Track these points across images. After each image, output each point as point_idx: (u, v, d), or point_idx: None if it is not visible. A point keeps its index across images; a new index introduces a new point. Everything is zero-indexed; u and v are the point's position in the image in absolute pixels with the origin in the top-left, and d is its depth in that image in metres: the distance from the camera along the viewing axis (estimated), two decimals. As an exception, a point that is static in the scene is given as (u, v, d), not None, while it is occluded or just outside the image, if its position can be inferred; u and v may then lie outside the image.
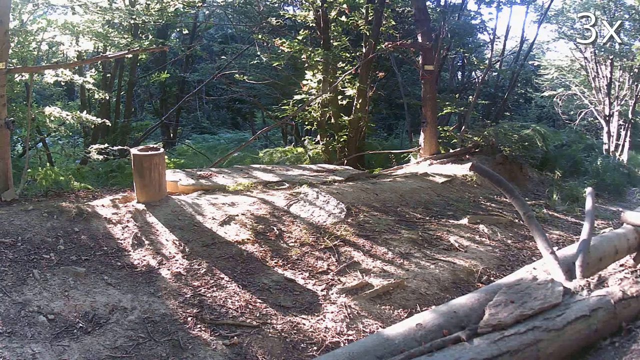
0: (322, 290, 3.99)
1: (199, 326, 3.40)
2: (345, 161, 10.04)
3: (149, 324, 3.36)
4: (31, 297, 3.44)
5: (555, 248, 2.86)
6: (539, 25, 15.05)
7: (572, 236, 5.70)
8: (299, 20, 11.57)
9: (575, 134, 15.12)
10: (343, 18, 10.87)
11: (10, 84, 6.96)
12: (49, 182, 6.12)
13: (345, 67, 10.49)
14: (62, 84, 10.05)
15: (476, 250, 4.95)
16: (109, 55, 7.80)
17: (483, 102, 14.90)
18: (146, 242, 4.41)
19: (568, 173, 10.48)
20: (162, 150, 5.29)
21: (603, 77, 15.25)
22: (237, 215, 4.98)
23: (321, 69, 10.23)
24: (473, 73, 17.35)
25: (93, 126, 8.26)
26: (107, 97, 10.36)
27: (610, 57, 14.74)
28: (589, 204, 3.25)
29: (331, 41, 10.68)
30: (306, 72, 10.51)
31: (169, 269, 4.07)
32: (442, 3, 14.98)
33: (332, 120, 10.67)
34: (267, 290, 3.92)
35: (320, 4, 10.26)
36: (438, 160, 8.72)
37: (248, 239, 4.60)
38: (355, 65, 10.21)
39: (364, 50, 10.39)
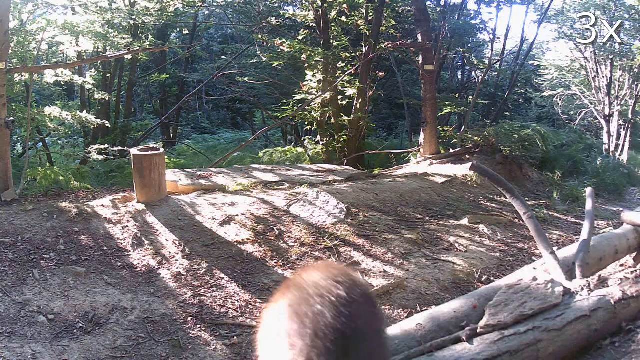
0: (322, 290, 3.98)
1: (199, 326, 3.40)
2: (345, 161, 10.04)
3: (149, 324, 3.36)
4: (31, 297, 3.44)
5: (555, 248, 2.86)
6: (539, 25, 15.04)
7: (572, 236, 5.70)
8: (299, 20, 11.56)
9: (575, 134, 15.10)
10: (343, 18, 10.86)
11: (10, 84, 6.95)
12: (49, 182, 6.11)
13: (345, 67, 10.49)
14: (62, 84, 10.05)
15: (476, 250, 4.95)
16: (109, 56, 7.81)
17: (483, 102, 14.89)
18: (146, 242, 4.40)
19: (568, 173, 10.47)
20: (162, 150, 5.30)
21: (603, 77, 15.24)
22: (237, 216, 4.98)
23: (321, 69, 10.22)
24: (473, 73, 17.35)
25: (93, 126, 8.26)
26: (107, 97, 10.36)
27: (610, 57, 14.73)
28: (589, 204, 3.25)
29: (331, 41, 10.67)
30: (306, 72, 10.51)
31: (169, 269, 4.07)
32: (442, 3, 14.98)
33: (332, 120, 10.67)
34: (267, 290, 3.92)
35: (320, 4, 10.26)
36: (438, 160, 8.72)
37: (248, 239, 4.60)
38: (355, 65, 10.20)
39: (364, 50, 10.38)
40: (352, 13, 10.79)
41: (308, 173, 7.30)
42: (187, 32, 15.98)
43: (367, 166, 10.49)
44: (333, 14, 10.60)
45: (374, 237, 4.92)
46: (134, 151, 5.19)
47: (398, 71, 14.02)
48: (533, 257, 4.82)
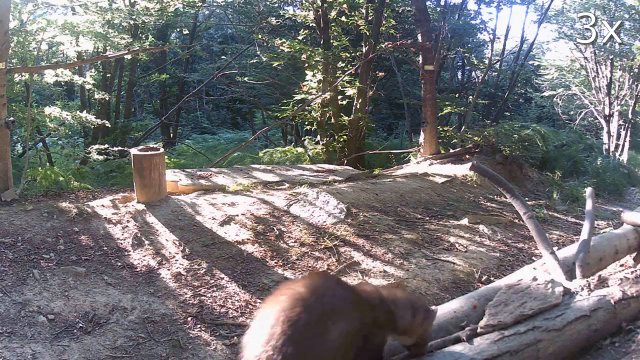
0: (322, 290, 3.98)
1: (199, 326, 3.40)
2: (345, 161, 10.04)
3: (149, 324, 3.36)
4: (31, 297, 3.44)
5: (555, 248, 2.86)
6: (539, 25, 15.05)
7: (572, 236, 5.70)
8: (299, 20, 11.57)
9: (575, 134, 15.08)
10: (343, 18, 10.87)
11: (10, 84, 6.96)
12: (49, 182, 6.11)
13: (345, 67, 10.49)
14: (62, 84, 10.05)
15: (476, 251, 4.95)
16: (109, 56, 7.81)
17: (483, 102, 14.89)
18: (146, 242, 4.41)
19: (568, 173, 10.47)
20: (162, 150, 5.30)
21: (603, 77, 15.24)
22: (237, 216, 4.98)
23: (321, 69, 10.23)
24: (473, 73, 17.35)
25: (93, 126, 8.27)
26: (107, 97, 10.36)
27: (610, 57, 14.73)
28: (589, 204, 3.25)
29: (331, 41, 10.68)
30: (306, 72, 10.52)
31: (169, 269, 4.07)
32: (442, 3, 14.98)
33: (332, 120, 10.67)
34: (267, 290, 3.91)
35: (320, 4, 10.26)
36: (438, 160, 8.72)
37: (248, 239, 4.60)
38: (355, 65, 10.21)
39: (364, 50, 10.39)
40: (352, 13, 10.79)
41: (308, 173, 7.30)
42: (187, 32, 15.98)
43: (367, 166, 10.50)
44: (333, 14, 10.60)
45: (374, 237, 4.92)
46: (134, 151, 5.19)
47: (398, 71, 14.02)
48: (533, 257, 4.82)
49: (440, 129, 10.21)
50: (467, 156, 8.85)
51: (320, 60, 10.12)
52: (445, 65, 16.52)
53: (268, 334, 1.53)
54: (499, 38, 15.59)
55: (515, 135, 9.33)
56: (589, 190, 3.37)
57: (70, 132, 10.71)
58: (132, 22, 9.65)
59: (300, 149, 11.45)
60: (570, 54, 16.52)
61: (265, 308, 1.65)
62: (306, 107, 10.11)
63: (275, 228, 4.86)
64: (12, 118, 5.47)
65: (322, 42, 10.60)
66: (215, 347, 3.23)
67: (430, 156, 8.83)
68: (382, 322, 1.82)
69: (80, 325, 3.24)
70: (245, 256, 4.37)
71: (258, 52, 11.42)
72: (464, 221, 5.72)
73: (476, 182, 7.45)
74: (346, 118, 10.54)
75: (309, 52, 10.07)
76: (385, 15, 10.74)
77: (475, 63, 13.63)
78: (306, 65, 10.44)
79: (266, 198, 5.57)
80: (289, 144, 13.94)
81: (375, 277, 4.20)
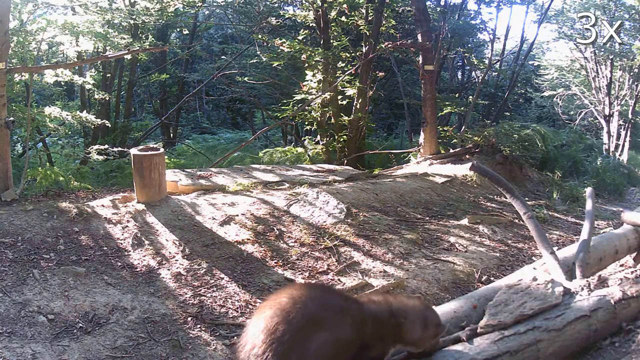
0: (322, 290, 3.98)
1: (199, 326, 3.40)
2: (345, 161, 10.04)
3: (149, 324, 3.36)
4: (31, 297, 3.44)
5: (555, 248, 2.86)
6: (539, 25, 15.06)
7: (572, 236, 5.70)
8: (299, 20, 11.57)
9: (575, 134, 15.08)
10: (343, 18, 10.87)
11: (10, 84, 6.96)
12: (49, 182, 6.11)
13: (345, 67, 10.49)
14: (62, 84, 10.05)
15: (476, 251, 4.95)
16: (109, 56, 7.81)
17: (483, 102, 14.90)
18: (146, 242, 4.40)
19: (568, 173, 10.47)
20: (162, 150, 5.30)
21: (603, 77, 15.25)
22: (237, 216, 4.98)
23: (321, 69, 10.23)
24: (473, 73, 17.34)
25: (93, 126, 8.27)
26: (107, 97, 10.36)
27: (610, 57, 14.74)
28: (589, 204, 3.25)
29: (331, 41, 10.68)
30: (306, 72, 10.52)
31: (168, 269, 4.07)
32: (442, 3, 14.98)
33: (332, 120, 10.67)
34: (267, 290, 3.91)
35: (320, 4, 10.26)
36: (438, 160, 8.72)
37: (248, 239, 4.60)
38: (355, 65, 10.21)
39: (364, 50, 10.39)
40: (352, 13, 10.79)
41: (308, 173, 7.30)
42: (187, 32, 15.98)
43: (367, 166, 10.50)
44: (333, 14, 10.60)
45: (374, 237, 4.92)
46: (134, 151, 5.19)
47: (398, 71, 14.03)
48: (533, 257, 4.82)
49: (440, 129, 10.21)
50: (467, 156, 8.85)
51: (320, 60, 10.13)
52: (445, 65, 16.53)
53: (251, 343, 1.63)
54: (499, 38, 15.60)
55: (515, 135, 9.32)
56: (589, 190, 3.37)
57: (70, 132, 10.71)
58: (132, 22, 9.65)
59: (300, 149, 11.44)
60: (570, 54, 16.53)
61: (253, 317, 1.72)
62: (306, 107, 10.11)
63: (275, 228, 4.86)
64: (12, 118, 5.47)
65: (322, 42, 10.60)
66: (215, 347, 3.23)
67: (430, 156, 8.83)
68: (386, 334, 1.83)
69: (80, 325, 3.24)
70: (245, 256, 4.37)
71: (258, 52, 11.42)
72: (464, 221, 5.72)
73: (476, 182, 7.46)
74: (346, 118, 10.54)
75: (309, 52, 10.07)
76: (385, 15, 10.74)
77: (475, 63, 13.64)
78: (306, 65, 10.44)
79: (266, 198, 5.57)
80: (289, 144, 13.94)
81: (375, 277, 4.20)
